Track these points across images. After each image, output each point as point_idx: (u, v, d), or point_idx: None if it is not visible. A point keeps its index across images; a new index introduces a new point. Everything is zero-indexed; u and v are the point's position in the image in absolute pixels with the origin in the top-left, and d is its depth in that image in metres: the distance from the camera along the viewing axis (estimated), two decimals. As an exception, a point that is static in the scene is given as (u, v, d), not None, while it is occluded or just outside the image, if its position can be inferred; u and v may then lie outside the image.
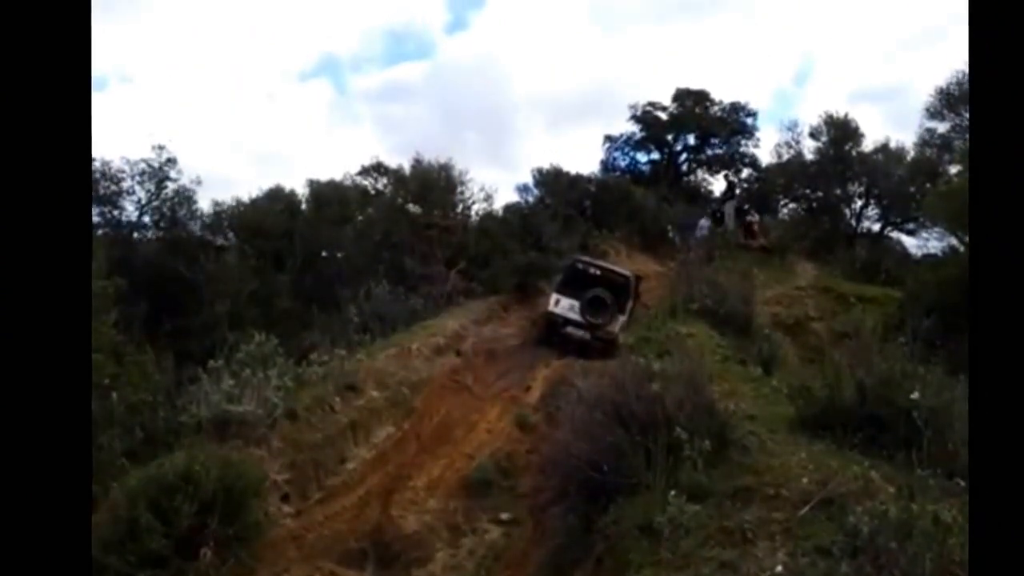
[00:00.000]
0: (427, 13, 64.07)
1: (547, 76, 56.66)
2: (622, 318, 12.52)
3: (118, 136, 47.18)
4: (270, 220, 18.06)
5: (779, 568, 3.86)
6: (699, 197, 26.81)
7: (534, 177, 22.90)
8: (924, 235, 20.74)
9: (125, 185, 17.49)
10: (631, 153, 29.24)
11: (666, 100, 28.31)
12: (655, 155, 29.24)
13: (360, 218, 18.87)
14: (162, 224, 18.15)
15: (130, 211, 17.84)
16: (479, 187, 18.02)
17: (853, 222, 22.54)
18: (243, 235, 17.89)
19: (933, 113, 20.16)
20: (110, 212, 17.52)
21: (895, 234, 22.79)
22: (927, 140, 20.85)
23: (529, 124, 50.47)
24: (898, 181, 21.23)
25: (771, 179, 25.24)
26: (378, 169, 21.02)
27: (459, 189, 17.74)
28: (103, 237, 16.29)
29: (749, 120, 28.26)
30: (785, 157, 23.96)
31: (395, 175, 19.57)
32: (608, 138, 29.12)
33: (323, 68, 62.89)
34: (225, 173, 42.89)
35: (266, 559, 6.03)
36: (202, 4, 56.36)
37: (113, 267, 11.19)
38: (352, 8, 65.11)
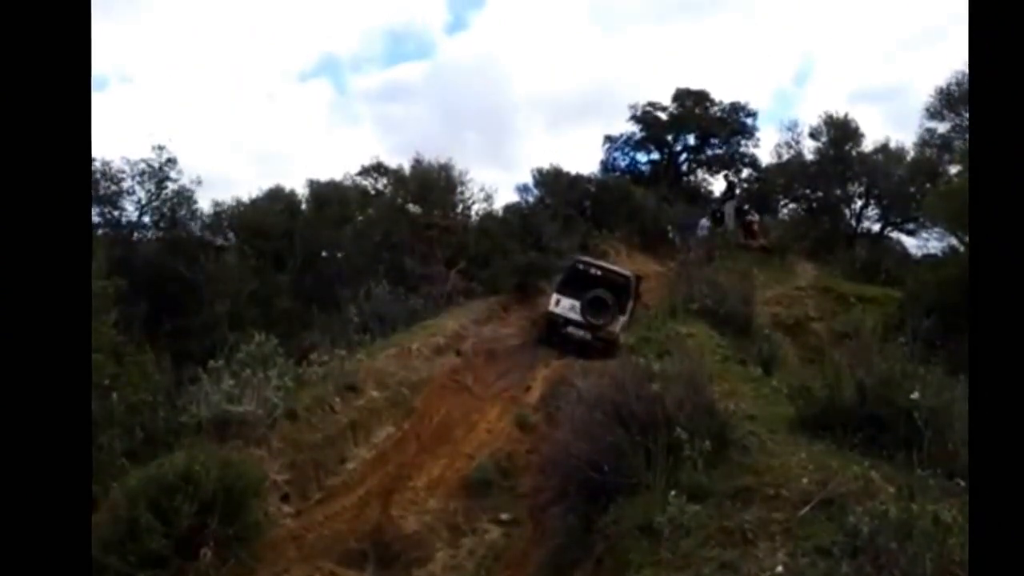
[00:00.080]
0: (427, 13, 64.17)
1: (547, 76, 56.74)
2: (622, 318, 12.53)
3: (118, 136, 47.28)
4: (270, 220, 18.06)
5: (779, 568, 3.85)
6: (699, 197, 26.82)
7: (534, 177, 22.94)
8: (924, 235, 20.79)
9: (125, 185, 17.50)
10: (631, 153, 29.30)
11: (666, 100, 28.38)
12: (655, 155, 29.28)
13: (360, 218, 18.87)
14: (162, 224, 18.14)
15: (130, 211, 17.87)
16: (479, 187, 18.10)
17: (853, 222, 22.55)
18: (243, 235, 17.89)
19: (933, 113, 20.18)
20: (110, 212, 17.52)
21: (895, 234, 22.82)
22: (927, 140, 20.86)
23: (529, 124, 50.54)
24: (898, 181, 21.24)
25: (771, 179, 25.24)
26: (378, 169, 21.03)
27: (459, 189, 17.78)
28: (103, 237, 16.29)
29: (749, 120, 28.32)
30: (785, 157, 23.99)
31: (395, 175, 19.58)
32: (608, 138, 29.18)
33: (323, 68, 63.00)
34: (225, 173, 42.97)
35: (266, 559, 6.03)
36: (202, 4, 56.42)
37: (113, 267, 11.19)
38: (352, 8, 65.22)
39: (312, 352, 9.24)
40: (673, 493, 4.62)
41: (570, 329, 12.49)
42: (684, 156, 29.35)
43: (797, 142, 23.54)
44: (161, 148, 17.51)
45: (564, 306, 12.61)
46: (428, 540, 6.74)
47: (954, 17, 41.79)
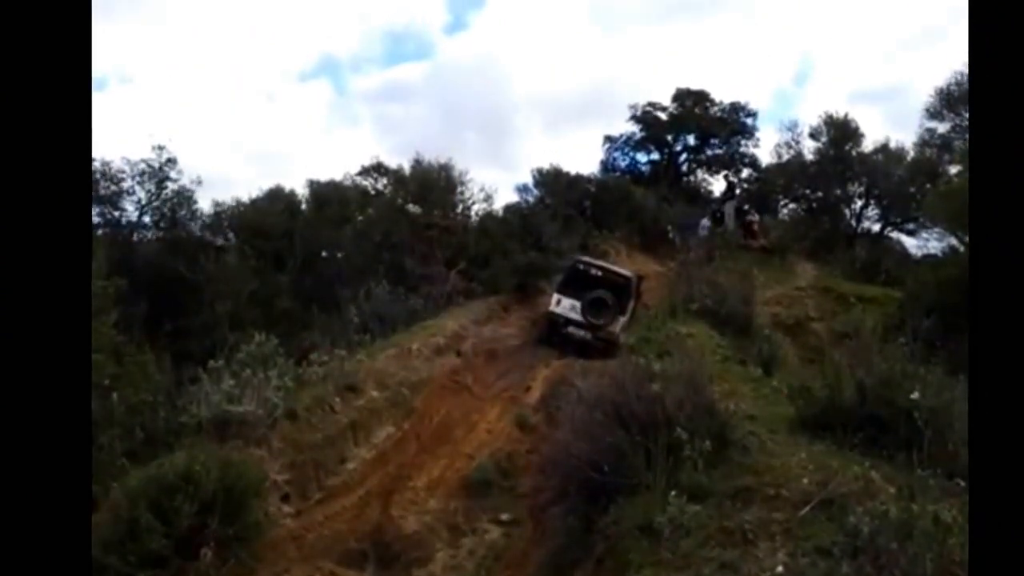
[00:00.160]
0: (427, 13, 64.10)
1: (547, 76, 56.70)
2: (623, 319, 12.55)
3: (118, 136, 47.22)
4: (270, 220, 18.05)
5: (780, 568, 3.86)
6: (699, 197, 26.80)
7: (534, 177, 22.94)
8: (924, 235, 20.77)
9: (125, 185, 17.53)
10: (631, 153, 29.28)
11: (666, 100, 28.35)
12: (655, 155, 29.25)
13: (360, 218, 18.84)
14: (162, 224, 18.16)
15: (130, 211, 17.90)
16: (479, 187, 18.06)
17: (853, 222, 22.54)
18: (243, 235, 17.88)
19: (933, 113, 20.17)
20: (110, 212, 17.55)
21: (895, 234, 22.80)
22: (927, 140, 20.86)
23: (529, 124, 50.49)
24: (898, 181, 21.23)
25: (771, 179, 25.23)
26: (378, 169, 21.00)
27: (459, 189, 17.76)
28: (103, 237, 16.31)
29: (749, 120, 28.29)
30: (785, 157, 23.98)
31: (395, 175, 19.56)
32: (608, 138, 29.16)
33: (323, 68, 62.93)
34: (225, 173, 42.92)
35: (266, 559, 6.03)
36: (202, 4, 56.41)
37: (113, 267, 11.19)
38: (352, 8, 65.17)
39: (312, 352, 9.24)
40: (673, 493, 4.62)
41: (571, 329, 12.52)
42: (684, 156, 29.35)
43: (797, 142, 23.57)
44: (161, 148, 17.57)
45: (565, 306, 12.64)
46: (428, 540, 6.74)
47: (954, 17, 41.81)
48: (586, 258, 14.27)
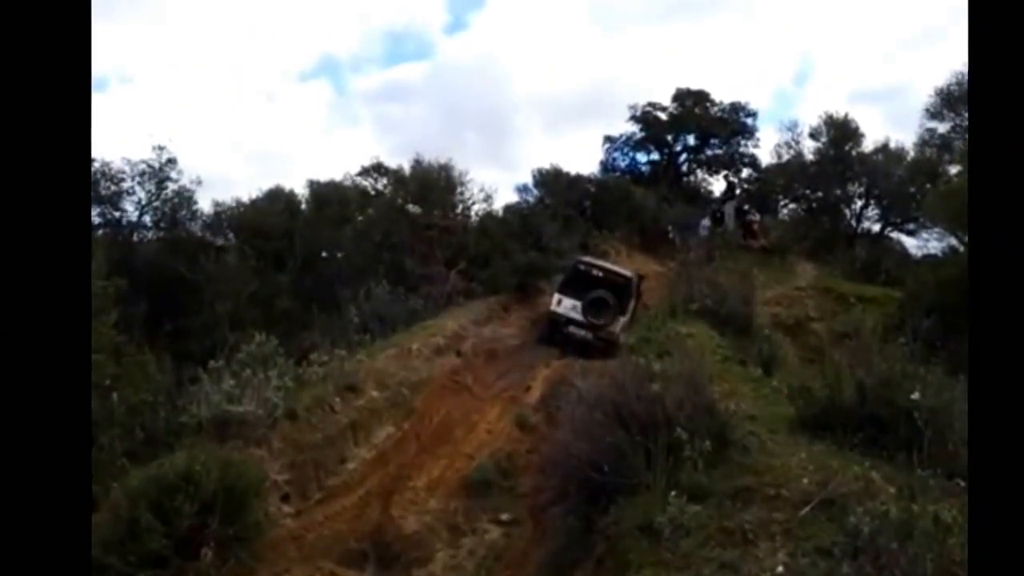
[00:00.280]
0: (427, 13, 64.05)
1: (547, 76, 56.68)
2: (623, 319, 12.59)
3: (118, 136, 47.22)
4: (270, 220, 18.04)
5: (780, 569, 3.86)
6: (699, 197, 26.80)
7: (534, 177, 22.91)
8: (924, 235, 20.76)
9: (125, 185, 17.49)
10: (631, 153, 29.25)
11: (666, 100, 28.32)
12: (655, 155, 29.23)
13: (360, 218, 18.84)
14: (162, 224, 18.14)
15: (130, 211, 17.86)
16: (479, 187, 18.04)
17: (853, 222, 22.53)
18: (243, 235, 17.88)
19: (933, 113, 20.20)
20: (110, 212, 17.53)
21: (895, 234, 22.79)
22: (927, 140, 20.87)
23: (529, 124, 50.48)
24: (898, 181, 21.22)
25: (771, 179, 25.22)
26: (378, 169, 20.99)
27: (459, 189, 17.75)
28: (103, 237, 16.33)
29: (749, 120, 28.25)
30: (785, 157, 23.97)
31: (395, 175, 19.55)
32: (608, 138, 29.13)
33: (323, 68, 62.90)
34: (225, 173, 42.91)
35: (266, 559, 6.03)
36: (202, 4, 56.40)
37: (113, 267, 11.19)
38: (352, 8, 65.13)
39: (312, 352, 9.24)
40: (673, 493, 4.63)
41: (572, 329, 12.56)
42: (684, 156, 29.33)
43: (797, 142, 23.57)
44: (161, 148, 17.53)
45: (566, 306, 12.69)
46: (428, 540, 6.75)
47: (954, 17, 41.80)
48: (587, 258, 14.29)
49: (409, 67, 65.29)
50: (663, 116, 28.22)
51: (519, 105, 52.13)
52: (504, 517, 7.15)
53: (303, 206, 19.51)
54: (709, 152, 28.77)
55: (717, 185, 27.60)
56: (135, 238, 18.04)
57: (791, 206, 24.60)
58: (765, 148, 28.33)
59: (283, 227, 17.96)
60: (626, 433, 5.25)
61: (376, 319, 12.36)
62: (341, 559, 6.42)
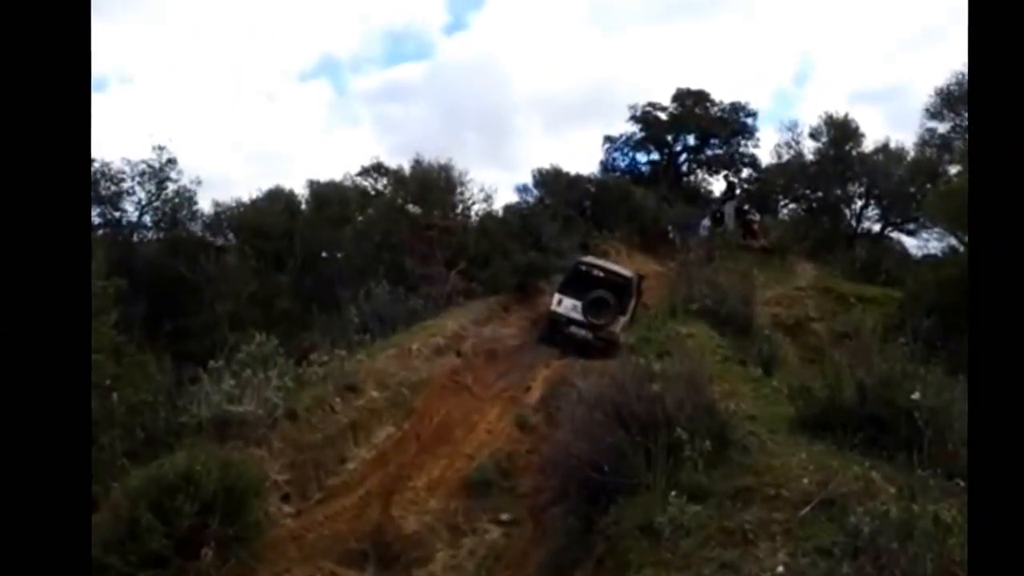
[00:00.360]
0: (427, 13, 64.03)
1: (547, 76, 56.65)
2: (623, 319, 12.59)
3: (118, 136, 47.21)
4: (270, 220, 18.05)
5: (780, 569, 3.86)
6: (699, 197, 26.81)
7: (534, 177, 22.91)
8: (924, 235, 20.76)
9: (125, 185, 17.51)
10: (631, 153, 29.26)
11: (666, 100, 28.33)
12: (655, 155, 29.23)
13: (360, 218, 18.83)
14: (162, 224, 18.15)
15: (130, 211, 17.88)
16: (479, 187, 18.05)
17: (853, 222, 22.54)
18: (243, 235, 17.88)
19: (933, 113, 20.20)
20: (110, 212, 17.53)
21: (895, 234, 22.79)
22: (927, 140, 20.87)
23: (529, 124, 50.51)
24: (898, 181, 21.22)
25: (771, 179, 25.23)
26: (378, 169, 20.98)
27: (459, 189, 17.75)
28: (103, 237, 16.34)
29: (749, 120, 28.27)
30: (785, 157, 23.98)
31: (395, 175, 19.56)
32: (608, 138, 29.14)
33: (323, 68, 62.88)
34: (225, 173, 42.90)
35: (266, 559, 6.04)
36: (202, 4, 56.40)
37: (113, 267, 11.20)
38: (352, 8, 65.12)
39: (312, 352, 9.23)
40: (673, 493, 4.63)
41: (572, 329, 12.57)
42: (684, 156, 29.34)
43: (797, 142, 23.57)
44: (161, 148, 17.54)
45: (566, 306, 12.70)
46: (428, 540, 6.75)
47: (954, 17, 41.78)
48: (588, 258, 14.30)
49: (409, 67, 65.34)
50: (663, 116, 28.23)
51: (519, 105, 52.20)
52: (504, 517, 7.15)
53: (303, 206, 19.51)
54: (709, 152, 28.78)
55: (717, 185, 27.67)
56: (135, 238, 18.05)
57: (791, 206, 24.61)
58: (765, 148, 28.39)
59: (283, 227, 17.96)
60: (626, 433, 5.25)
61: (376, 319, 12.36)
62: (341, 559, 6.42)
